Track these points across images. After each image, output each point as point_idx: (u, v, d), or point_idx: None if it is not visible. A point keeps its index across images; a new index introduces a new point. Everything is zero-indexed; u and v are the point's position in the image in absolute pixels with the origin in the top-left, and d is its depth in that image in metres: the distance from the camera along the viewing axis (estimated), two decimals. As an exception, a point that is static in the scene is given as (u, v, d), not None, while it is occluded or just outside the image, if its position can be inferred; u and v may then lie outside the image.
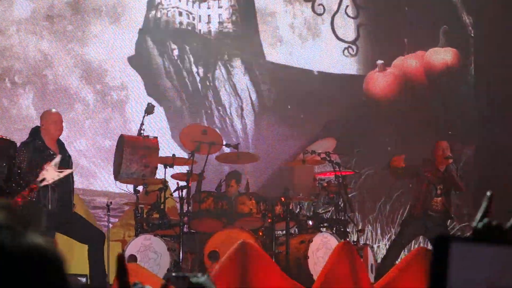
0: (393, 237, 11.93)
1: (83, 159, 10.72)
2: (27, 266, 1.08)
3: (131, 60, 11.69)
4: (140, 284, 1.74)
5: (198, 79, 12.08)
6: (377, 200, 11.88)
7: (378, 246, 11.50)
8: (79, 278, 7.46)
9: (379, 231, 11.91)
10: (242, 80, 12.25)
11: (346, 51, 12.35)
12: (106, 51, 11.52)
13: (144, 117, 9.26)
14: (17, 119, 10.90)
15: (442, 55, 12.50)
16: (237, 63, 12.27)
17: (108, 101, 11.47)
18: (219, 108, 12.11)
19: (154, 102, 11.55)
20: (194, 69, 12.06)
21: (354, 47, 12.38)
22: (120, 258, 1.65)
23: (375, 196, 11.77)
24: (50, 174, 5.72)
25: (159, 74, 11.90)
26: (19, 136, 10.52)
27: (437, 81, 12.46)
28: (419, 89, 12.45)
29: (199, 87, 12.09)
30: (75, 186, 7.53)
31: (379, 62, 12.31)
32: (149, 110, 9.18)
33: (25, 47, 11.15)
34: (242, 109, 12.18)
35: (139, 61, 11.78)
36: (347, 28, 12.46)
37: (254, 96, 12.28)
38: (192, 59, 12.04)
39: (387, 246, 10.71)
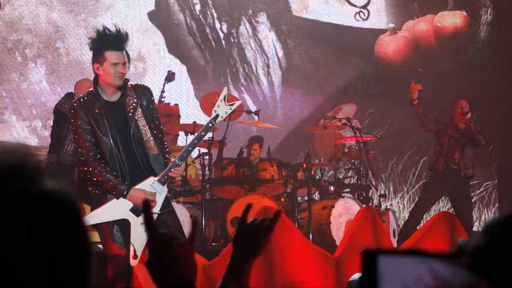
0: (405, 195, 12.00)
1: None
2: (41, 213, 1.05)
3: (150, 15, 11.19)
4: None
5: (221, 35, 11.69)
6: (389, 159, 11.92)
7: (391, 204, 11.54)
8: (99, 246, 7.51)
9: (391, 190, 11.97)
10: (268, 37, 11.92)
11: (357, 15, 12.34)
12: (120, 22, 10.76)
13: (164, 84, 9.26)
14: (28, 94, 10.45)
15: (451, 18, 12.61)
16: (263, 18, 11.91)
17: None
18: (244, 65, 11.76)
19: (175, 60, 11.36)
20: (218, 25, 11.66)
21: (365, 11, 12.36)
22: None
23: (387, 155, 11.78)
24: None
25: (181, 31, 11.45)
26: (29, 112, 10.44)
27: (447, 43, 12.49)
28: (429, 52, 12.50)
29: (223, 44, 11.70)
30: None
31: (390, 25, 12.40)
32: (170, 77, 9.18)
33: (35, 19, 10.55)
34: (268, 67, 11.89)
35: (159, 17, 11.30)
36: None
37: (280, 53, 12.00)
38: (215, 15, 11.63)
39: (409, 210, 10.74)
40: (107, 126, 5.04)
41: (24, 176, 1.06)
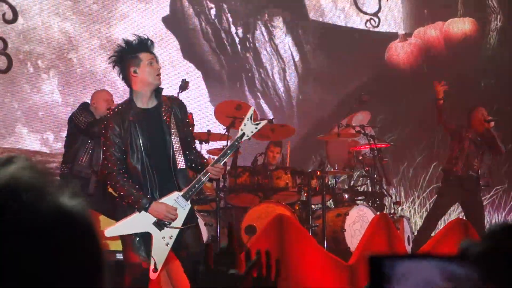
0: (416, 200, 11.99)
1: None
2: (54, 229, 1.05)
3: (165, 20, 11.11)
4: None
5: (237, 40, 11.63)
6: (400, 164, 11.92)
7: (402, 209, 11.55)
8: (116, 255, 7.55)
9: (402, 194, 11.98)
10: (284, 41, 11.86)
11: (368, 23, 12.37)
12: (134, 32, 10.82)
13: (178, 93, 9.28)
14: (40, 106, 10.29)
15: (461, 25, 12.72)
16: (279, 22, 11.86)
17: None
18: (260, 70, 11.70)
19: (190, 66, 11.34)
20: (233, 30, 11.59)
21: (376, 19, 12.41)
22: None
23: (398, 160, 11.79)
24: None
25: (196, 36, 11.37)
26: (41, 124, 10.30)
27: (456, 50, 12.54)
28: (439, 58, 12.54)
29: (239, 48, 11.64)
30: None
31: (401, 32, 12.48)
32: (184, 86, 9.19)
33: (48, 29, 10.42)
34: (284, 71, 11.85)
35: (174, 22, 11.21)
36: (370, 1, 12.47)
37: (297, 58, 11.95)
38: (230, 19, 11.57)
39: (420, 215, 10.73)
40: (139, 134, 5.08)
41: (40, 192, 1.07)
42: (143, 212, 5.03)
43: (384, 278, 1.16)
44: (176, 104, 5.26)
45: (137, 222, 5.05)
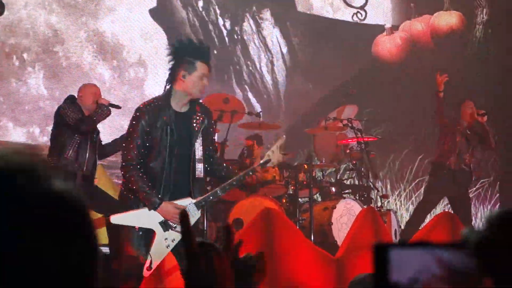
0: (402, 193, 12.03)
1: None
2: (50, 211, 1.05)
3: (152, 13, 11.00)
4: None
5: (225, 32, 11.56)
6: (387, 157, 11.95)
7: (388, 202, 11.58)
8: (102, 248, 7.50)
9: (389, 187, 12.01)
10: (272, 33, 11.80)
11: (355, 16, 12.39)
12: (121, 24, 10.79)
13: (165, 87, 9.24)
14: (26, 99, 10.16)
15: (447, 19, 12.75)
16: (267, 15, 11.78)
17: (125, 78, 10.81)
18: (248, 63, 11.66)
19: None
20: (221, 22, 11.52)
21: (362, 12, 12.44)
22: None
23: (385, 153, 11.81)
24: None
25: (183, 28, 11.25)
26: (27, 118, 10.20)
27: (443, 43, 12.61)
28: (426, 52, 12.58)
29: (226, 41, 11.58)
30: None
31: (387, 26, 12.50)
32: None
33: (34, 22, 10.27)
34: (272, 64, 11.81)
35: (161, 14, 11.08)
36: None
37: (285, 50, 11.90)
38: (218, 11, 11.50)
39: (406, 207, 10.76)
40: (169, 135, 5.07)
41: (32, 175, 1.06)
42: (152, 210, 5.03)
43: (388, 266, 1.17)
44: (207, 114, 5.30)
45: (145, 217, 5.04)
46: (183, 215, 1.70)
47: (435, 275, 1.17)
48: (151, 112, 5.08)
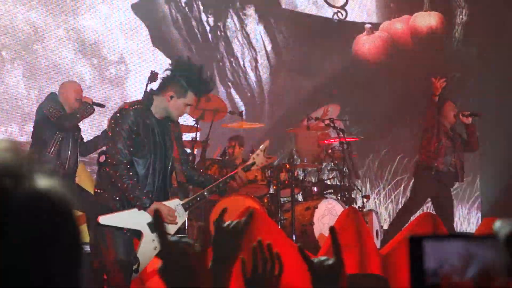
0: (381, 191, 12.04)
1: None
2: (32, 212, 1.03)
3: (134, 7, 10.85)
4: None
5: (208, 28, 11.45)
6: (366, 156, 11.96)
7: (368, 201, 11.61)
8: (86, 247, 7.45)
9: (368, 186, 12.02)
10: (256, 30, 11.71)
11: (335, 15, 12.41)
12: (102, 22, 10.65)
13: (147, 85, 9.20)
14: (4, 98, 10.01)
15: (426, 19, 12.80)
16: (250, 11, 11.70)
17: (106, 76, 10.69)
18: (232, 60, 11.57)
19: (160, 54, 11.12)
20: (204, 18, 11.41)
21: (343, 11, 12.46)
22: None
23: (364, 153, 11.81)
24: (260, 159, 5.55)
25: (166, 24, 11.16)
26: (5, 117, 10.05)
27: (422, 44, 12.66)
28: (406, 52, 12.61)
29: (210, 37, 11.47)
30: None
31: (367, 26, 12.50)
32: (153, 78, 9.09)
33: (13, 19, 10.09)
34: (256, 61, 11.73)
35: (143, 9, 10.94)
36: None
37: (269, 48, 11.82)
38: (201, 7, 11.38)
39: (390, 210, 10.75)
40: (151, 139, 5.11)
41: (17, 175, 1.05)
42: (141, 210, 5.01)
43: (424, 258, 1.23)
44: (178, 124, 5.42)
45: (133, 218, 5.03)
46: (156, 211, 1.72)
47: (464, 266, 1.22)
48: (137, 114, 5.08)
